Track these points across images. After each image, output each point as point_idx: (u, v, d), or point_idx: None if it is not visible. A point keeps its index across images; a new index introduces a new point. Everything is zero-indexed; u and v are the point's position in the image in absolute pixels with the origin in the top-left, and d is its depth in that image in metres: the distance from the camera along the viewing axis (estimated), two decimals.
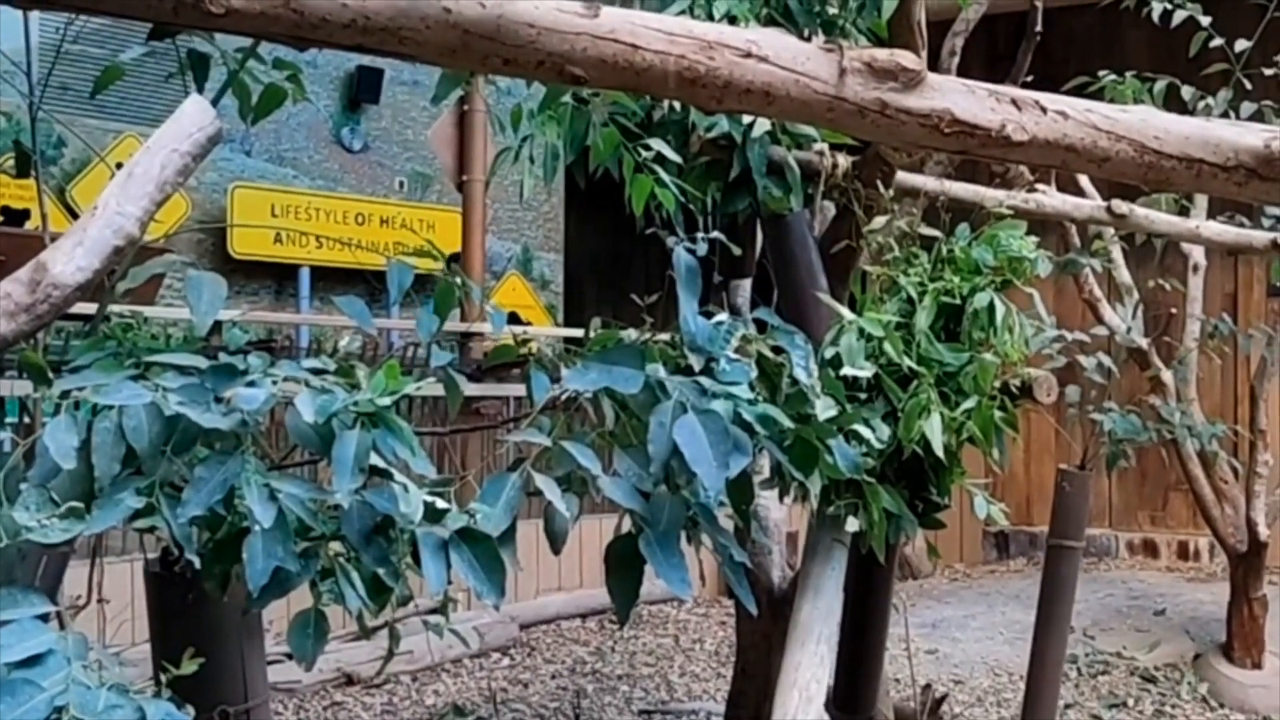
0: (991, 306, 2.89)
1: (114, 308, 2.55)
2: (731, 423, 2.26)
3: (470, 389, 5.84)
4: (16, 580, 1.85)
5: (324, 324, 9.09)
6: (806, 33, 3.28)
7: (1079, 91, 3.67)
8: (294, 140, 9.71)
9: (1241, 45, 5.15)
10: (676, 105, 3.27)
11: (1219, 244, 4.61)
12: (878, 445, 2.72)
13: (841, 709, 3.32)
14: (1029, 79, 3.10)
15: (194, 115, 2.07)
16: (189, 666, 1.94)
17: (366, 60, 9.35)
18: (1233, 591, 6.15)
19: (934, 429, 2.77)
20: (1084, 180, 5.37)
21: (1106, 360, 5.10)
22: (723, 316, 2.53)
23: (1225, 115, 4.96)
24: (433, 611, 2.34)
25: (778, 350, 2.60)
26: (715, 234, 2.69)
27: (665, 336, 2.58)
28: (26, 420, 5.35)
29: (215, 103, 2.30)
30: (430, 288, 2.55)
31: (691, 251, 2.49)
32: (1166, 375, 5.94)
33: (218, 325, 6.17)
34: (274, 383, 2.03)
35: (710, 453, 2.18)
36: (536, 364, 2.45)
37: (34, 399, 2.13)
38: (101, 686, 1.74)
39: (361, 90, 9.88)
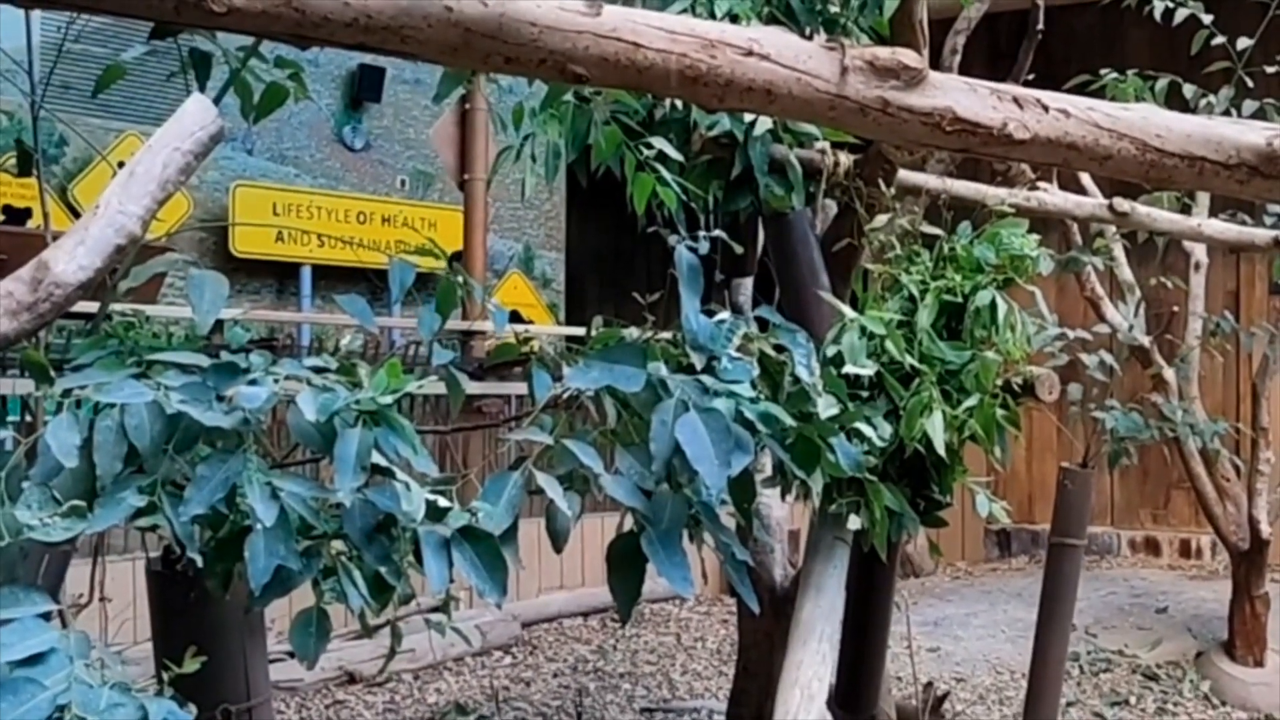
0: (993, 304, 2.89)
1: (116, 306, 2.55)
2: (733, 421, 2.26)
3: (472, 387, 5.85)
4: (19, 579, 1.85)
5: (326, 322, 9.10)
6: (808, 31, 3.28)
7: (1081, 90, 3.66)
8: (296, 139, 9.71)
9: (1243, 43, 5.14)
10: (678, 104, 3.27)
11: (1221, 242, 4.61)
12: (879, 443, 2.72)
13: (843, 707, 3.32)
14: (1030, 77, 3.10)
15: (196, 114, 2.07)
16: (191, 665, 1.94)
17: (368, 59, 9.36)
18: (1235, 589, 6.14)
19: (936, 427, 2.77)
20: (1086, 178, 5.37)
21: (1108, 358, 5.10)
22: (724, 315, 2.53)
23: (1227, 113, 4.95)
24: (435, 610, 2.34)
25: (779, 349, 2.60)
26: (717, 232, 2.69)
27: (667, 335, 2.58)
28: (28, 419, 5.36)
29: (217, 101, 2.31)
30: (432, 286, 2.56)
31: (693, 250, 2.49)
32: (1168, 373, 5.93)
33: (219, 324, 6.17)
34: (276, 381, 2.03)
35: (712, 451, 2.18)
36: (538, 362, 2.45)
37: (36, 397, 2.13)
38: (103, 685, 1.74)
39: (363, 89, 9.89)
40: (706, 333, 2.45)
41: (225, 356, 2.08)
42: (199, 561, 1.93)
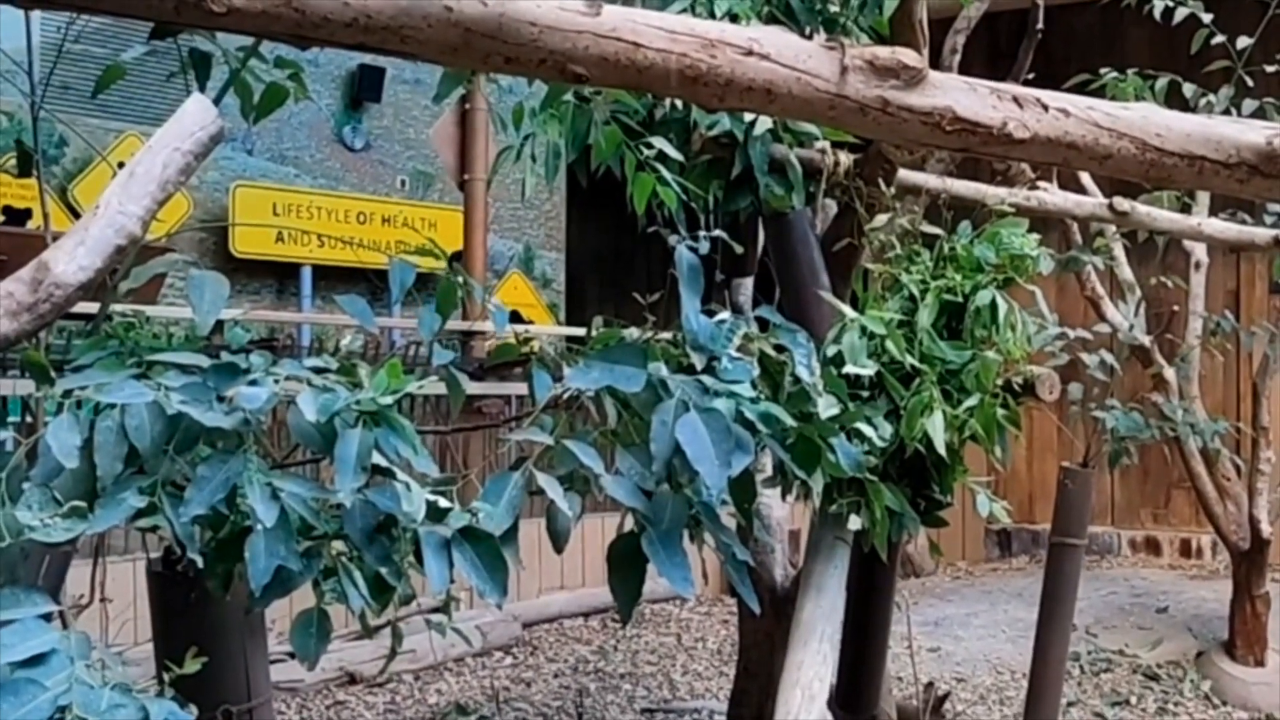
0: (994, 304, 2.89)
1: (116, 307, 2.55)
2: (734, 421, 2.26)
3: (472, 388, 5.85)
4: (19, 579, 1.85)
5: (326, 323, 9.10)
6: (808, 31, 3.28)
7: (1080, 89, 3.66)
8: (296, 139, 9.71)
9: (1243, 42, 5.14)
10: (678, 103, 3.27)
11: (1221, 241, 4.61)
12: (880, 443, 2.72)
13: (844, 707, 3.31)
14: (1030, 76, 3.10)
15: (196, 114, 2.07)
16: (192, 666, 1.94)
17: (368, 59, 9.36)
18: (1235, 589, 6.14)
19: (936, 427, 2.77)
20: (1086, 178, 5.36)
21: (1109, 358, 5.10)
22: (725, 315, 2.53)
23: (1227, 112, 4.95)
24: (435, 610, 2.33)
25: (780, 348, 2.60)
26: (717, 232, 2.69)
27: (667, 335, 2.58)
28: (29, 419, 5.36)
29: (217, 102, 2.30)
30: (432, 286, 2.56)
31: (693, 250, 2.49)
32: (1169, 372, 5.93)
33: (220, 324, 6.17)
34: (276, 381, 2.03)
35: (712, 451, 2.18)
36: (538, 363, 2.45)
37: (36, 398, 2.13)
38: (104, 686, 1.74)
39: (363, 89, 9.89)
40: (707, 333, 2.45)
41: (225, 357, 2.08)
42: (199, 562, 1.93)
